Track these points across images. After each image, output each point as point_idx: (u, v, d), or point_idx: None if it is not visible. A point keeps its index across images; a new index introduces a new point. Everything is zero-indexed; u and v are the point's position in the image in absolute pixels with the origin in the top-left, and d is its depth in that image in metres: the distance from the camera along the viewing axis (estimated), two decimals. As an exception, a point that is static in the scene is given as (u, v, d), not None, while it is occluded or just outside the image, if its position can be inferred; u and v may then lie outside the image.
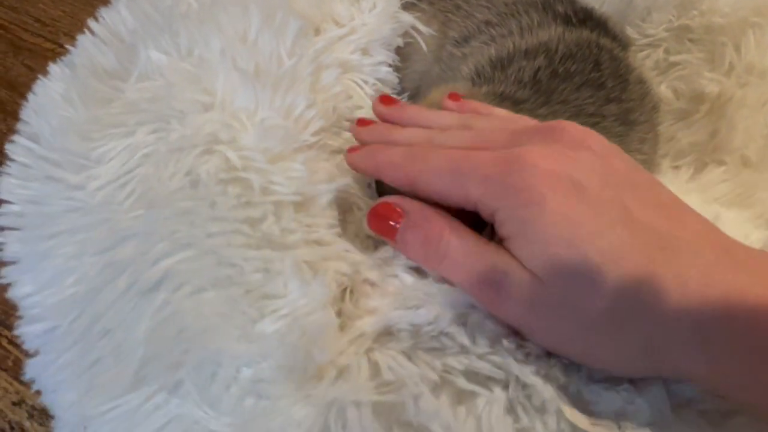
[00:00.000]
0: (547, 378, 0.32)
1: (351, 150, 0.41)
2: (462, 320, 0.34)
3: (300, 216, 0.38)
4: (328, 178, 0.41)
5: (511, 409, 0.32)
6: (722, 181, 0.50)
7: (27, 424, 0.63)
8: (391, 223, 0.35)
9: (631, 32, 0.63)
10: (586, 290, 0.29)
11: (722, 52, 0.57)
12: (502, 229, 0.32)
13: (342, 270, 0.36)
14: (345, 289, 0.37)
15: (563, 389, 0.32)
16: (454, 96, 0.46)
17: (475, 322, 0.33)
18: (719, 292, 0.27)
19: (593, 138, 0.34)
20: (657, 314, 0.28)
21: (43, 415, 0.64)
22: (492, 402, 0.32)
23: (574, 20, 0.55)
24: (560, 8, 0.56)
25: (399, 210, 0.35)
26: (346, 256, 0.37)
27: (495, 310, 0.33)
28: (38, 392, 0.41)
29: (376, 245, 0.41)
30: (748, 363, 0.27)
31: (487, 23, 0.58)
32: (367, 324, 0.34)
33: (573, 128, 0.34)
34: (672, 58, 0.62)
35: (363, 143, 0.43)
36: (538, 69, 0.49)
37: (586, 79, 0.49)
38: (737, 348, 0.27)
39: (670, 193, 0.33)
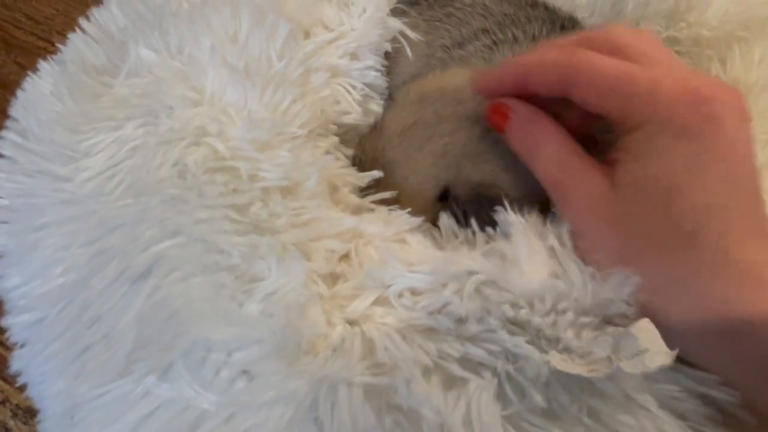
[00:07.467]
0: (538, 346, 0.32)
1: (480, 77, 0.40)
2: (459, 291, 0.34)
3: (287, 201, 0.39)
4: (313, 160, 0.41)
5: (500, 395, 0.32)
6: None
7: (11, 423, 0.63)
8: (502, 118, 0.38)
9: (619, 43, 0.64)
10: (658, 224, 0.31)
11: (708, 67, 0.57)
12: (635, 145, 0.32)
13: (331, 247, 0.37)
14: (347, 254, 0.38)
15: (553, 345, 0.32)
16: None
17: (470, 291, 0.34)
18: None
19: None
20: (710, 272, 0.30)
21: (27, 414, 0.63)
22: (482, 388, 0.32)
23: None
24: (568, 25, 0.57)
25: (508, 110, 0.37)
26: (339, 224, 0.38)
27: (560, 209, 0.35)
28: (22, 389, 0.41)
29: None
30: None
31: (485, 31, 0.58)
32: (366, 281, 0.35)
33: (737, 95, 0.33)
34: (660, 70, 0.62)
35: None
36: None
37: None
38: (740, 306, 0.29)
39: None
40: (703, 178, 0.30)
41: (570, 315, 0.32)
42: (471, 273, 0.34)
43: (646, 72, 0.32)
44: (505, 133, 0.38)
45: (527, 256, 0.34)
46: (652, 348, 0.29)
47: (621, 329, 0.31)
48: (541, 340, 0.32)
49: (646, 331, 0.30)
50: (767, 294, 0.29)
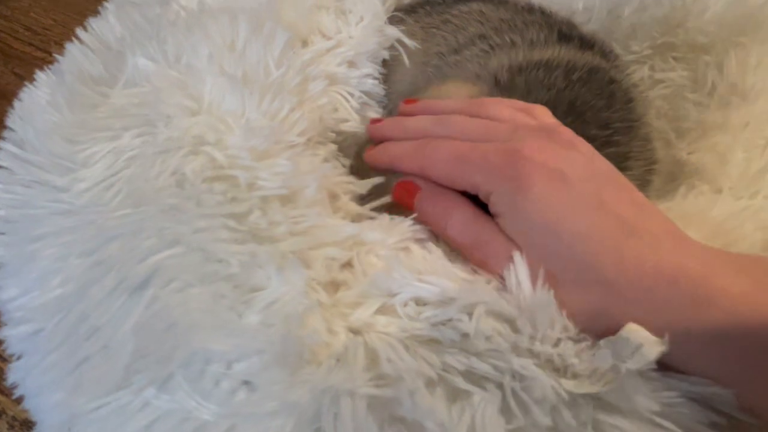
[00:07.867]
0: (546, 368, 0.32)
1: (369, 149, 0.47)
2: (468, 309, 0.34)
3: (286, 209, 0.38)
4: (312, 168, 0.41)
5: (504, 409, 0.32)
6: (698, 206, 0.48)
7: (8, 434, 0.63)
8: (410, 193, 0.42)
9: (616, 48, 0.63)
10: (554, 261, 0.34)
11: (705, 72, 0.57)
12: (495, 209, 0.37)
13: (331, 255, 0.36)
14: (348, 262, 0.38)
15: (562, 373, 0.32)
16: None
17: (480, 312, 0.34)
18: (670, 270, 0.31)
19: (582, 143, 0.39)
20: (615, 285, 0.32)
21: (24, 426, 0.63)
22: (486, 401, 0.32)
23: (577, 44, 0.56)
24: (565, 30, 0.57)
25: (416, 185, 0.42)
26: (339, 231, 0.37)
27: (486, 267, 0.37)
28: (19, 401, 0.40)
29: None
30: (687, 321, 0.31)
31: (481, 36, 0.58)
32: (371, 289, 0.35)
33: (567, 132, 0.39)
34: (657, 76, 0.62)
35: (377, 139, 0.48)
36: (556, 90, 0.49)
37: (596, 116, 0.48)
38: (682, 310, 0.31)
39: (640, 194, 0.37)
40: (562, 212, 0.34)
41: (570, 343, 0.33)
42: (481, 303, 0.34)
43: (476, 149, 0.38)
44: (414, 206, 0.41)
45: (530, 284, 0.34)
46: (645, 342, 0.30)
47: (611, 337, 0.32)
48: (547, 369, 0.32)
49: (634, 330, 0.31)
50: (719, 288, 0.30)
